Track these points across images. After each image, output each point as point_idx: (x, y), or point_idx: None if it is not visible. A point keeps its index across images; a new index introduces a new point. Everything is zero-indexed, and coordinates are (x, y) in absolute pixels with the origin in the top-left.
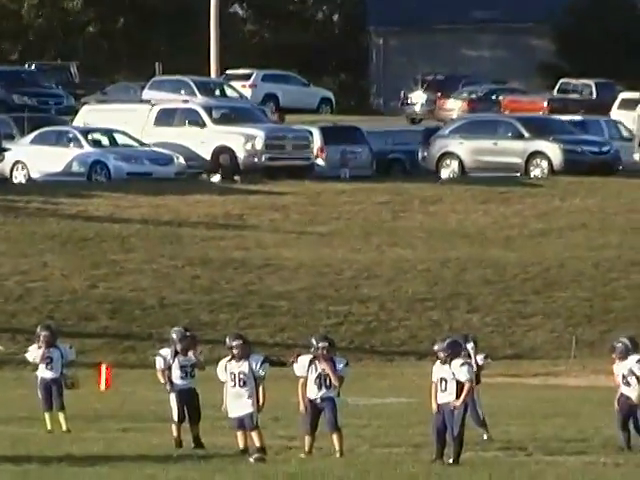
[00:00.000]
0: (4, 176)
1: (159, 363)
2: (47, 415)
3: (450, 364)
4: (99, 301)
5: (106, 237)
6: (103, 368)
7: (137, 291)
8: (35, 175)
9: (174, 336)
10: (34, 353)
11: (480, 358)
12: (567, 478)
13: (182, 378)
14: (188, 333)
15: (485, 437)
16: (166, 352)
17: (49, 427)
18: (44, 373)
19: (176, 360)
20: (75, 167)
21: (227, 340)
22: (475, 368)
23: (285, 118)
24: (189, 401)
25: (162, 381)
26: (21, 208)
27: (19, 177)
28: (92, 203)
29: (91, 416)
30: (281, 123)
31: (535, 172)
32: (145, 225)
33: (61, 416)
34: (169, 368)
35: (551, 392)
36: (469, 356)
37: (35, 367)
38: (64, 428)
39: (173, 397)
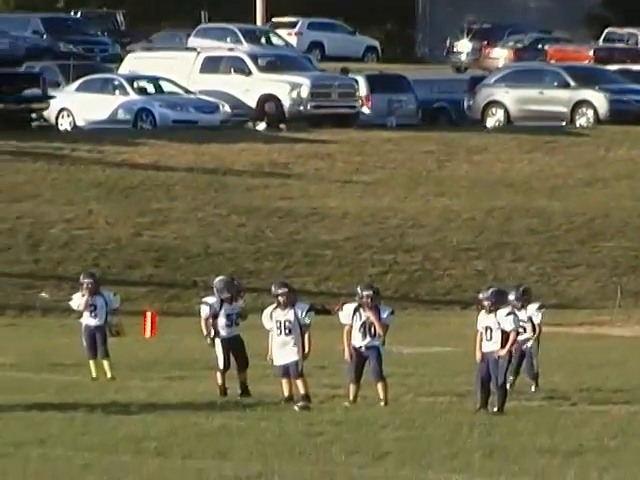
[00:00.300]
0: (50, 123)
1: (204, 311)
2: (92, 362)
3: (495, 313)
4: (144, 249)
5: (151, 185)
6: (148, 316)
7: (182, 239)
8: (80, 123)
9: (220, 285)
10: (78, 301)
11: (534, 308)
12: (612, 427)
13: (228, 326)
14: (235, 282)
15: (533, 389)
16: (212, 300)
17: (94, 375)
18: (88, 321)
19: (222, 308)
20: (121, 115)
21: (273, 288)
22: (531, 319)
23: (349, 71)
24: (235, 348)
25: (204, 330)
26: (66, 156)
27: (64, 124)
28: (137, 151)
29: (136, 364)
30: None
31: (581, 121)
32: (190, 173)
33: (106, 364)
34: (215, 316)
35: (596, 342)
36: (522, 307)
37: (80, 315)
38: (109, 376)
39: (218, 345)
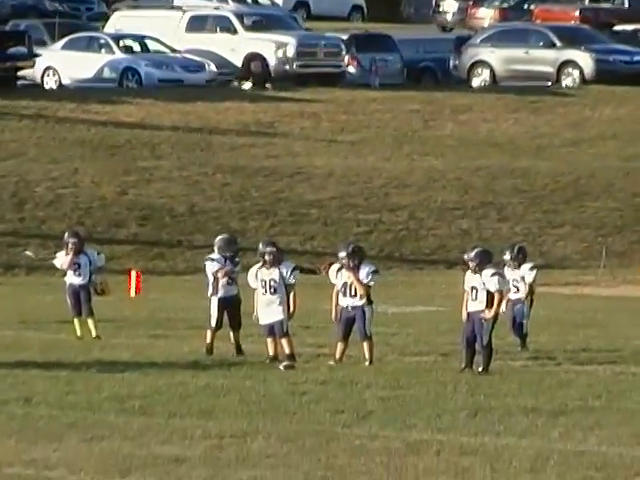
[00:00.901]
0: (35, 82)
1: (211, 267)
2: (76, 321)
3: (481, 274)
4: (129, 208)
5: (136, 144)
6: (133, 275)
7: (167, 198)
8: (66, 81)
9: (222, 243)
10: (62, 260)
11: (527, 268)
12: (597, 387)
13: (229, 284)
14: (236, 240)
15: (519, 349)
16: (217, 257)
17: (78, 333)
18: (72, 279)
19: (226, 264)
20: (106, 73)
21: (260, 246)
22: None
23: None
24: (231, 308)
25: (210, 287)
26: (51, 114)
27: (50, 83)
28: (123, 109)
29: (120, 323)
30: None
31: (566, 81)
32: (176, 132)
33: (90, 322)
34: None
35: (581, 302)
36: (518, 266)
37: (64, 273)
38: (93, 334)
39: (215, 303)
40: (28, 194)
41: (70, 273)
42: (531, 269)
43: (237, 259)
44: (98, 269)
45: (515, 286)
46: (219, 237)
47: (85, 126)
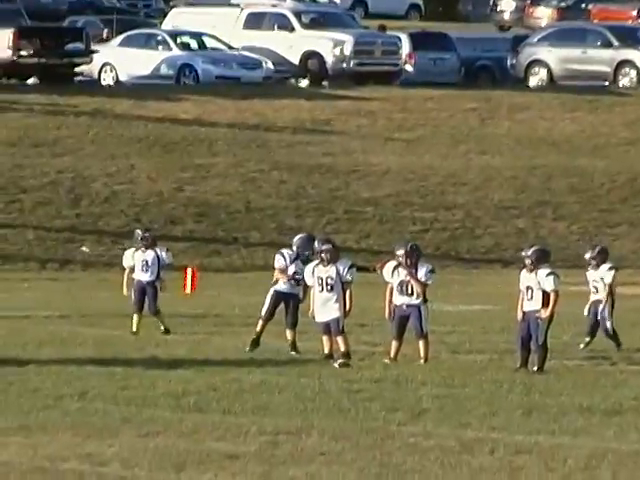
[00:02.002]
0: (92, 78)
1: (280, 261)
2: (135, 317)
3: (536, 272)
4: (185, 204)
5: (193, 141)
6: (189, 271)
7: (223, 195)
8: (123, 78)
9: (300, 242)
10: (129, 258)
11: (606, 268)
12: None
13: (291, 284)
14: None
15: (617, 350)
16: (288, 252)
17: (134, 329)
18: (140, 276)
19: (294, 264)
20: (163, 70)
21: (316, 244)
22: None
23: (386, 29)
24: (291, 306)
25: (280, 278)
26: (109, 111)
27: (107, 79)
28: (180, 106)
29: (176, 319)
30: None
31: (623, 81)
32: (232, 129)
33: (157, 320)
34: (282, 270)
35: (637, 302)
36: (596, 266)
37: (132, 270)
38: (162, 329)
39: (270, 294)
40: (85, 190)
41: (138, 269)
42: (610, 269)
43: (311, 258)
44: (167, 266)
45: (595, 287)
46: (298, 236)
47: (142, 123)
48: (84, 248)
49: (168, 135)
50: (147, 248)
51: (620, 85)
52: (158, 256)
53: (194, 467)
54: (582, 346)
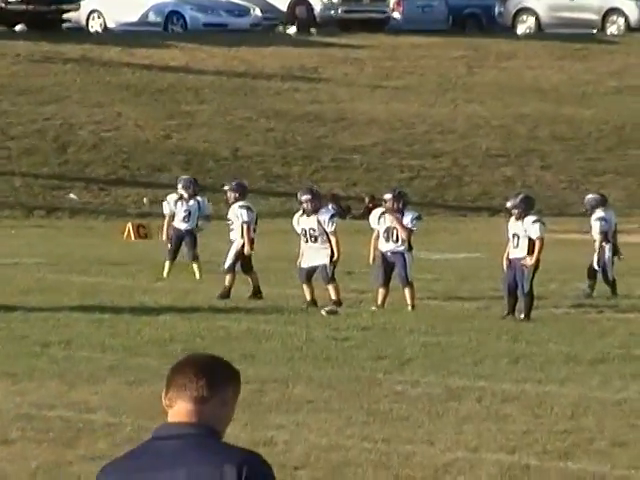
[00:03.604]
0: (80, 25)
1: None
2: (167, 264)
3: (523, 220)
4: (172, 152)
5: (180, 88)
6: None
7: (210, 143)
8: (111, 25)
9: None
10: (171, 205)
11: (595, 217)
12: (638, 336)
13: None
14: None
15: (613, 295)
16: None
17: (165, 274)
18: (180, 224)
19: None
20: (151, 17)
21: (298, 194)
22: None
23: None
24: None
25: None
26: (96, 58)
27: (95, 26)
28: (167, 54)
29: (163, 267)
30: None
31: (611, 29)
32: (219, 76)
33: (195, 266)
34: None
35: (624, 250)
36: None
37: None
38: (197, 277)
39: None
40: (72, 138)
41: (178, 218)
42: (597, 220)
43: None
44: (206, 216)
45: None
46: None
47: (129, 70)
48: (71, 195)
49: (155, 83)
50: (190, 197)
51: (608, 33)
52: (200, 205)
53: None
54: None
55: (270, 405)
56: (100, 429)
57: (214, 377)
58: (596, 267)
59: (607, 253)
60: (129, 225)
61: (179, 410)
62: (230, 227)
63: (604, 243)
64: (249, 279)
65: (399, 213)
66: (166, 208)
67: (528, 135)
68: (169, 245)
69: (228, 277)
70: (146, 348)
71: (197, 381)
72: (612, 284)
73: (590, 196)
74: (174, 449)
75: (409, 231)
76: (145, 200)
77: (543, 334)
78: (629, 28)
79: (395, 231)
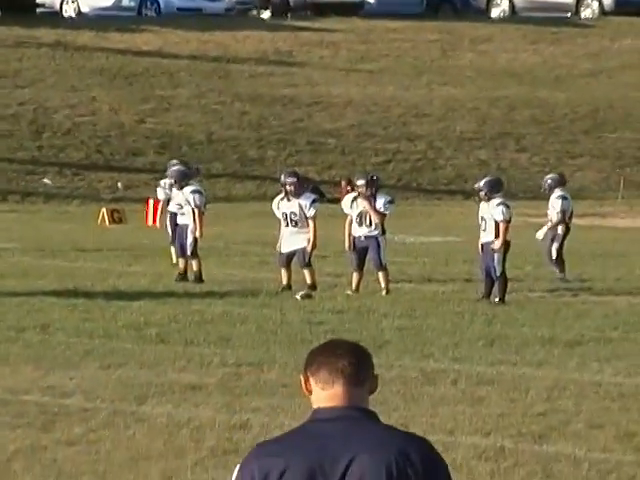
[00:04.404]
0: (54, 10)
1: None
2: (173, 249)
3: (489, 203)
4: (147, 136)
5: (155, 72)
6: (150, 203)
7: (185, 126)
8: (85, 9)
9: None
10: (167, 189)
11: (555, 195)
12: (614, 318)
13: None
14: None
15: (560, 276)
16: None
17: (175, 260)
18: (173, 209)
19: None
20: (125, 1)
21: (282, 176)
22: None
23: None
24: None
25: None
26: (70, 42)
27: (69, 11)
28: (141, 38)
29: (138, 251)
30: None
31: (586, 12)
32: (194, 61)
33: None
34: None
35: (598, 233)
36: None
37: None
38: (174, 261)
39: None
40: (46, 122)
41: (173, 202)
42: (558, 197)
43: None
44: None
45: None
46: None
47: (104, 54)
48: (46, 180)
49: (130, 67)
50: (181, 187)
51: (582, 17)
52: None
53: (156, 398)
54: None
55: (246, 389)
56: (76, 413)
57: (366, 362)
58: (554, 252)
59: (559, 232)
60: (103, 210)
61: (336, 393)
62: (180, 212)
63: (560, 224)
64: (193, 263)
65: (372, 198)
66: (161, 193)
67: (503, 118)
68: (169, 231)
69: (194, 262)
70: (121, 332)
71: (355, 365)
72: (560, 263)
73: (550, 176)
74: (343, 431)
75: (382, 215)
76: (119, 185)
77: (518, 317)
78: (603, 12)
79: (368, 215)
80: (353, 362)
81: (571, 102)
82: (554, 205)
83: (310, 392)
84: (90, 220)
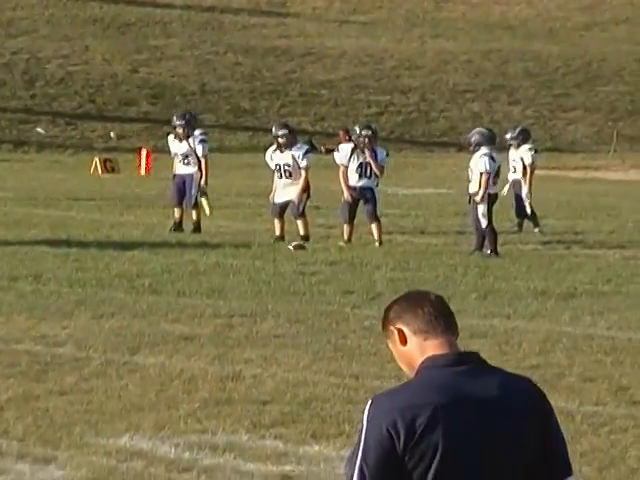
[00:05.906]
0: None
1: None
2: (177, 210)
3: (517, 149)
4: (140, 86)
5: (148, 22)
6: (143, 153)
7: (178, 77)
8: None
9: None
10: (173, 145)
11: (526, 148)
12: (606, 271)
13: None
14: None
15: (536, 231)
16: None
17: (207, 213)
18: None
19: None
20: None
21: (273, 129)
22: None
23: None
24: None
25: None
26: None
27: None
28: None
29: (131, 201)
30: None
31: None
32: (187, 11)
33: (204, 202)
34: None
35: (591, 186)
36: (518, 146)
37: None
38: (207, 213)
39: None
40: (39, 71)
41: (177, 161)
42: (529, 149)
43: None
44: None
45: (513, 166)
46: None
47: (97, 4)
48: (38, 129)
49: (123, 16)
50: (182, 139)
51: None
52: (195, 147)
53: (148, 349)
54: (516, 228)
55: (238, 340)
56: (68, 363)
57: (453, 315)
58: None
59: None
60: (96, 159)
61: (443, 342)
62: (185, 162)
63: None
64: (193, 213)
65: (372, 150)
66: (172, 147)
67: (496, 71)
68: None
69: (194, 212)
70: (114, 282)
71: (452, 315)
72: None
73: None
74: (471, 373)
75: (382, 168)
76: (112, 134)
77: (511, 270)
78: None
79: (369, 167)
80: (450, 312)
81: (564, 55)
82: (515, 159)
83: (404, 343)
84: (83, 169)
